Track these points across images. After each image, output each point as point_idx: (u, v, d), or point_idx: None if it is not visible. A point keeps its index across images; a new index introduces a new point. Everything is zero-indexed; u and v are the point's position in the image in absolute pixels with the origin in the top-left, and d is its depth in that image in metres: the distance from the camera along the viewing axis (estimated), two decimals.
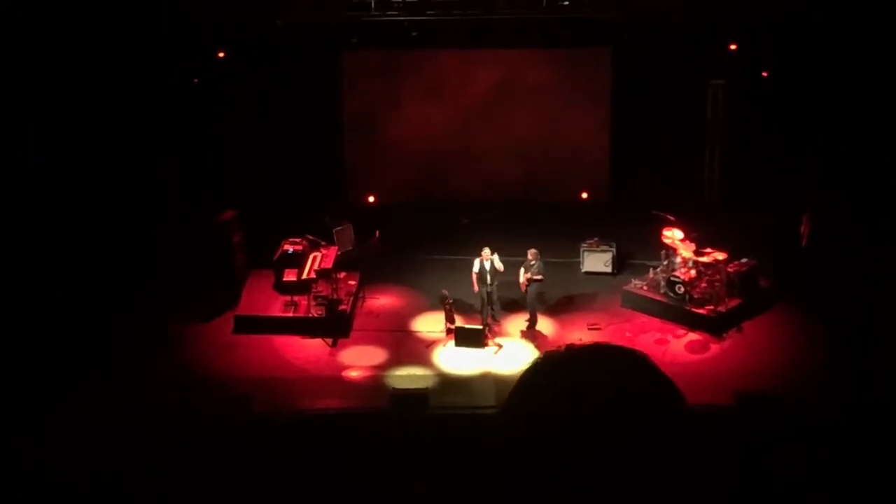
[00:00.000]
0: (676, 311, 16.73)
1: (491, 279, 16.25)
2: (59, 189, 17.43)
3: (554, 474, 1.57)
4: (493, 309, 16.61)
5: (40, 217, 16.91)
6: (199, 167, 19.47)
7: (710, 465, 1.62)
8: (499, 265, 16.20)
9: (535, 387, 1.70)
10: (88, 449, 11.47)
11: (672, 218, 17.36)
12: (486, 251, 16.26)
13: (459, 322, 16.36)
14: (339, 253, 17.72)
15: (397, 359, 15.92)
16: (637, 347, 1.82)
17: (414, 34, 18.76)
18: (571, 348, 1.74)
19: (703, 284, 16.76)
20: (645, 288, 17.41)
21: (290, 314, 16.83)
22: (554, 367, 1.72)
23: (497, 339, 16.28)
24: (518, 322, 16.78)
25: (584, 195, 21.57)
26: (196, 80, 19.35)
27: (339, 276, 17.37)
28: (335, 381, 15.32)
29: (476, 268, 16.29)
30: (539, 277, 16.28)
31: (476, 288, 16.31)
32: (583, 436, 1.57)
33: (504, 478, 1.64)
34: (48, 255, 16.76)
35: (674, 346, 16.08)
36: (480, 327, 16.16)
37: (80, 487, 10.28)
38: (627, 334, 16.31)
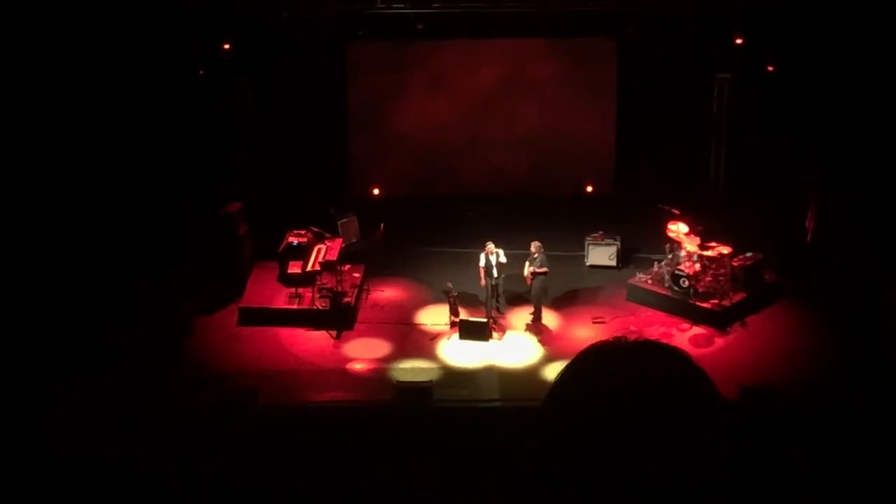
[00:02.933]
0: (681, 305, 16.72)
1: (497, 272, 16.31)
2: (62, 184, 17.41)
3: (589, 466, 1.58)
4: (498, 302, 16.65)
5: (43, 214, 16.91)
6: (204, 159, 19.47)
7: (735, 465, 1.65)
8: (502, 258, 16.31)
9: (583, 377, 1.71)
10: (91, 442, 11.49)
11: (677, 211, 17.35)
12: (491, 245, 16.32)
13: (464, 315, 16.39)
14: (343, 245, 17.74)
15: (402, 351, 15.92)
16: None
17: (420, 27, 18.71)
18: (620, 340, 1.76)
19: (708, 278, 16.75)
20: (649, 282, 17.39)
21: (295, 306, 16.85)
22: (603, 358, 1.73)
23: (501, 332, 16.30)
24: (522, 315, 16.78)
25: (589, 188, 21.56)
26: (201, 73, 19.34)
27: (343, 268, 17.40)
28: (339, 374, 15.33)
29: (482, 262, 16.37)
30: (543, 270, 16.28)
31: (483, 282, 16.38)
32: (623, 429, 1.59)
33: (538, 470, 1.65)
34: (51, 250, 16.76)
35: (678, 340, 16.03)
36: (485, 320, 16.18)
37: (82, 481, 10.30)
38: (632, 328, 16.30)
